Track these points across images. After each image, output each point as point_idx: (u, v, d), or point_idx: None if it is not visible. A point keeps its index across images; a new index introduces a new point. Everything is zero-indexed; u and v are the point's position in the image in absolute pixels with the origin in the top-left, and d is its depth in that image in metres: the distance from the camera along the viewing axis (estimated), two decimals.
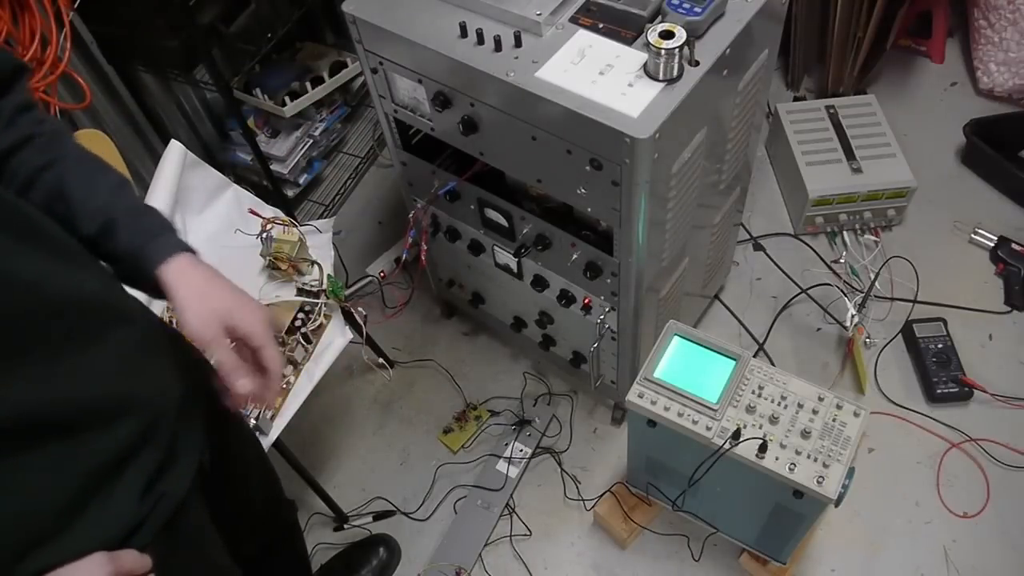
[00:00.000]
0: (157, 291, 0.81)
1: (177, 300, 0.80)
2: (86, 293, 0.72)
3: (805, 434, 1.16)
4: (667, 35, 1.04)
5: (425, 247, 1.59)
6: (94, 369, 0.71)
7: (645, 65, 1.09)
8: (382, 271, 2.05)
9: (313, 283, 1.37)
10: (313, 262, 1.40)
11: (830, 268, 1.93)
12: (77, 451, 0.68)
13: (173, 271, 0.80)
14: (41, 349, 0.66)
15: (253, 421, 1.24)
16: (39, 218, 0.71)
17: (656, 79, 1.08)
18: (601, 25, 1.15)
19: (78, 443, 0.68)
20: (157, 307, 1.24)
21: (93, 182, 0.81)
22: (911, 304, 1.82)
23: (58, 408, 0.67)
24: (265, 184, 2.04)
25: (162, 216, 0.85)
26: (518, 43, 1.14)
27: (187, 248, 0.83)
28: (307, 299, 1.37)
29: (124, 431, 0.72)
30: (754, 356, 1.29)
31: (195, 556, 0.86)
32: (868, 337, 1.78)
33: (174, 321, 1.32)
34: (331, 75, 2.10)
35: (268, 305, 1.37)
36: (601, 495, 1.61)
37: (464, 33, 1.17)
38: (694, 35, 1.09)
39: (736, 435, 1.17)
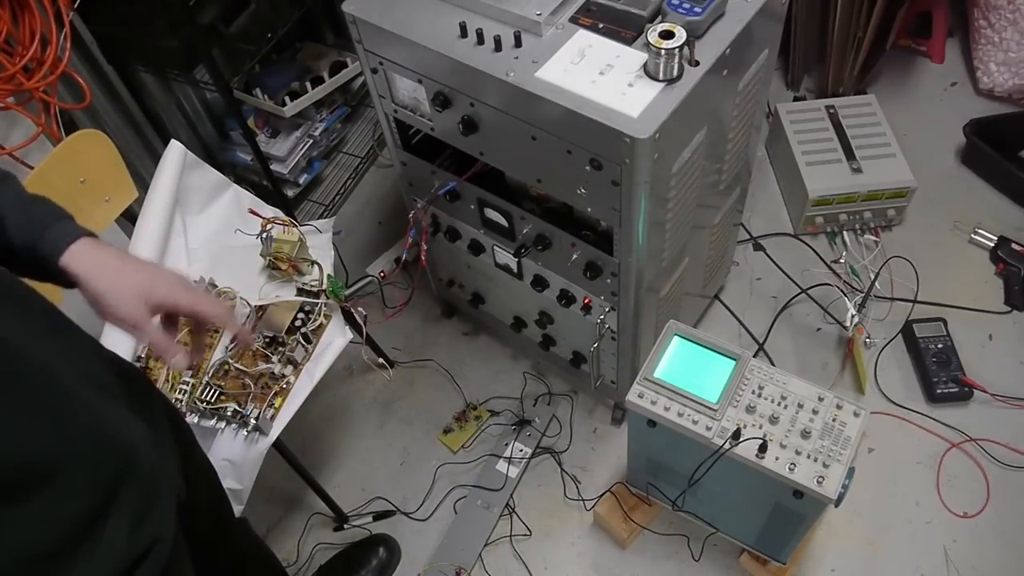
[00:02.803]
0: (67, 282, 0.78)
1: (89, 288, 0.77)
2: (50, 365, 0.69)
3: (805, 434, 1.16)
4: (667, 35, 1.04)
5: (425, 247, 1.59)
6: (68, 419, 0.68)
7: (645, 65, 1.09)
8: (382, 271, 2.05)
9: (313, 283, 1.37)
10: (313, 262, 1.40)
11: (830, 268, 1.93)
12: (59, 498, 0.65)
13: (76, 259, 0.77)
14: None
15: (253, 421, 1.24)
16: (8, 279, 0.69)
17: (656, 79, 1.08)
18: (601, 25, 1.15)
19: (59, 490, 0.65)
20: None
21: None
22: (911, 304, 1.82)
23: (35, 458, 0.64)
24: (265, 184, 2.04)
25: (53, 204, 0.82)
26: (518, 43, 1.14)
27: (86, 232, 0.79)
28: (307, 299, 1.37)
29: (103, 473, 0.70)
30: (754, 356, 1.29)
31: None
32: (868, 337, 1.78)
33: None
34: (331, 75, 2.10)
35: (268, 305, 1.37)
36: (601, 495, 1.61)
37: (464, 33, 1.17)
38: (694, 35, 1.09)
39: (736, 435, 1.17)
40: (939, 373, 1.70)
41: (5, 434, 0.61)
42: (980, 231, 1.92)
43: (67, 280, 0.78)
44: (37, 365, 0.67)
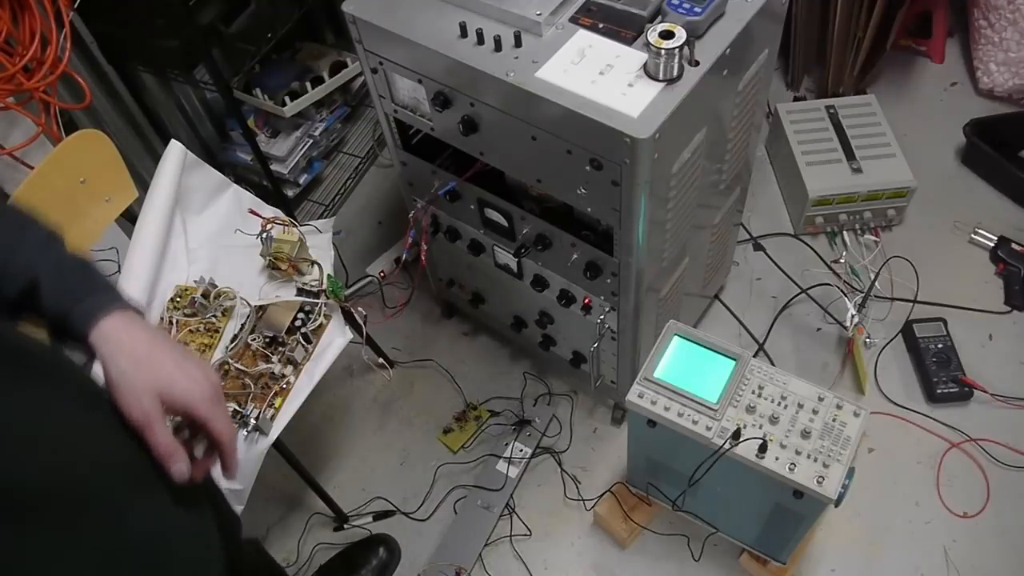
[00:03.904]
0: (93, 354, 0.73)
1: (107, 373, 0.72)
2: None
3: (805, 434, 1.16)
4: (667, 35, 1.04)
5: (425, 247, 1.59)
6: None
7: (645, 65, 1.09)
8: (382, 271, 2.05)
9: (313, 283, 1.37)
10: (313, 262, 1.40)
11: (830, 268, 1.93)
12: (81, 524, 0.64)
13: (103, 337, 0.72)
14: None
15: (253, 421, 1.24)
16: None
17: (656, 79, 1.08)
18: (601, 25, 1.15)
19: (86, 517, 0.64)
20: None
21: (16, 238, 0.74)
22: (911, 304, 1.82)
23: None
24: (265, 184, 2.04)
25: (92, 270, 0.77)
26: (518, 43, 1.14)
27: (121, 305, 0.75)
28: (307, 299, 1.37)
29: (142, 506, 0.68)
30: (754, 356, 1.29)
31: None
32: (868, 337, 1.78)
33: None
34: (331, 75, 2.10)
35: (268, 305, 1.37)
36: (601, 495, 1.61)
37: (464, 33, 1.17)
38: (694, 35, 1.09)
39: (736, 435, 1.17)
40: (939, 373, 1.70)
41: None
42: (980, 231, 1.92)
43: (93, 353, 0.73)
44: (82, 490, 0.63)
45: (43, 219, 0.78)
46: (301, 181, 2.16)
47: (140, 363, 0.72)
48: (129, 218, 1.45)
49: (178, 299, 1.40)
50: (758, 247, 2.00)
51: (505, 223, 1.43)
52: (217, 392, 0.77)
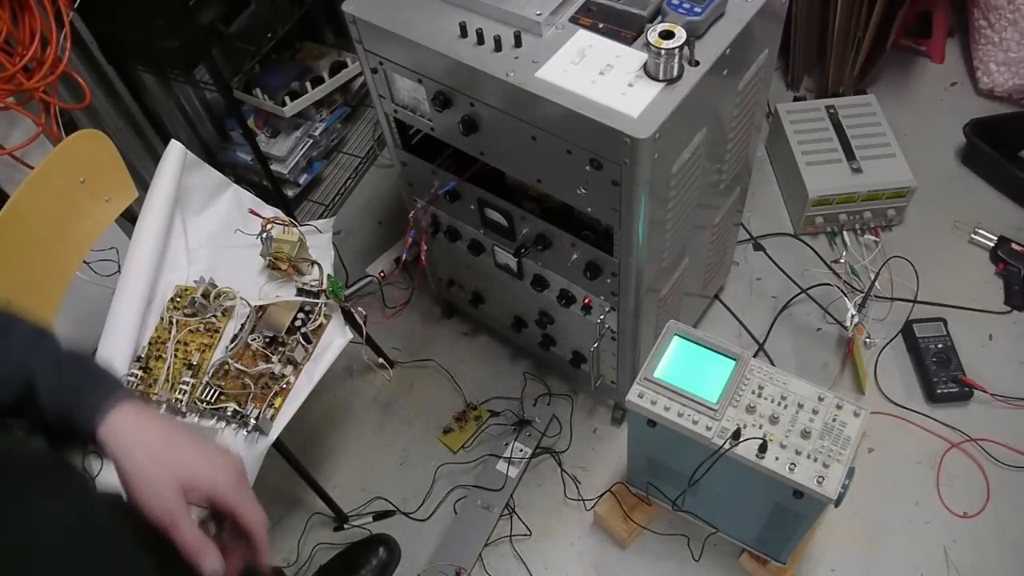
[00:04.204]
0: (105, 454, 0.68)
1: (122, 469, 0.66)
2: None
3: (805, 434, 1.16)
4: (667, 35, 1.04)
5: (425, 247, 1.59)
6: None
7: (645, 65, 1.09)
8: (382, 271, 2.05)
9: (313, 283, 1.37)
10: (313, 262, 1.40)
11: (830, 268, 1.93)
12: None
13: (113, 432, 0.67)
14: None
15: (253, 421, 1.24)
16: None
17: (656, 79, 1.08)
18: (601, 25, 1.15)
19: None
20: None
21: (0, 337, 0.70)
22: (911, 304, 1.82)
23: None
24: (265, 184, 2.04)
25: (92, 362, 0.73)
26: (518, 43, 1.14)
27: (128, 394, 0.70)
28: (307, 299, 1.37)
29: None
30: (754, 356, 1.29)
31: None
32: (868, 337, 1.78)
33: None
34: (331, 75, 2.10)
35: (268, 305, 1.37)
36: (601, 495, 1.61)
37: (464, 33, 1.17)
38: (694, 35, 1.09)
39: (736, 435, 1.17)
40: (939, 373, 1.70)
41: None
42: (980, 231, 1.92)
43: (104, 452, 0.68)
44: None
45: (25, 313, 0.73)
46: (301, 181, 2.16)
47: (157, 455, 0.67)
48: (129, 218, 1.45)
49: (178, 299, 1.40)
50: (758, 247, 2.00)
51: (505, 223, 1.43)
52: (243, 476, 0.72)
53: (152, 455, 0.67)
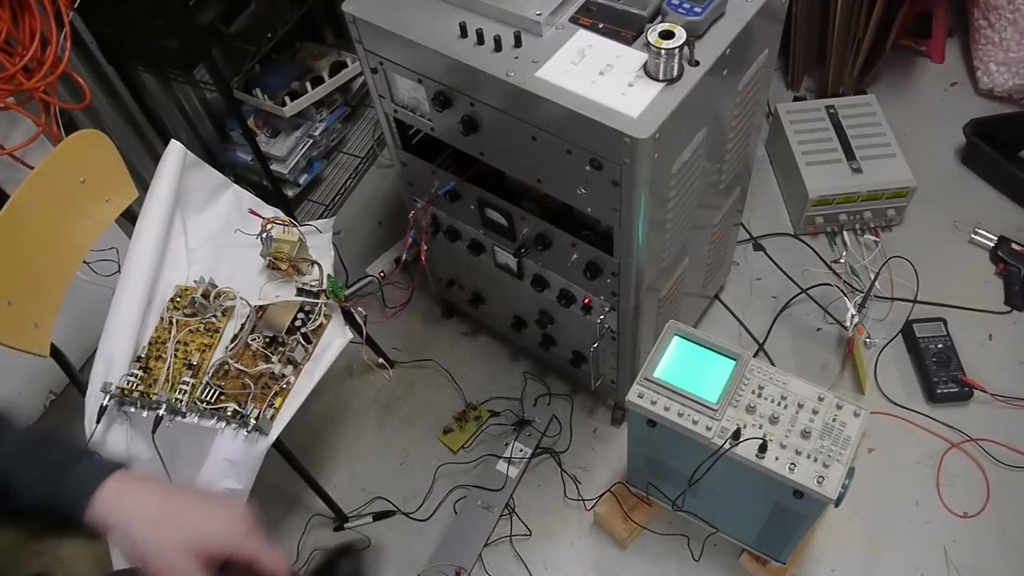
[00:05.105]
0: (94, 533, 0.63)
1: (126, 541, 0.63)
2: None
3: (805, 434, 1.16)
4: (667, 35, 1.04)
5: (425, 247, 1.58)
6: None
7: (645, 65, 1.09)
8: (382, 271, 2.05)
9: (313, 283, 1.37)
10: (313, 262, 1.40)
11: (830, 268, 1.93)
12: None
13: (107, 507, 0.63)
14: None
15: (253, 421, 1.24)
16: None
17: (656, 79, 1.08)
18: (601, 25, 1.15)
19: None
20: None
21: None
22: (911, 304, 1.82)
23: None
24: (265, 184, 2.04)
25: (62, 438, 0.69)
26: (518, 43, 1.14)
27: (110, 465, 0.65)
28: (307, 299, 1.37)
29: None
30: (754, 356, 1.29)
31: None
32: (868, 337, 1.78)
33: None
34: (331, 75, 2.10)
35: (268, 305, 1.37)
36: (601, 495, 1.61)
37: (464, 33, 1.17)
38: (694, 35, 1.09)
39: (736, 435, 1.17)
40: (939, 373, 1.70)
41: None
42: (980, 231, 1.92)
43: (94, 532, 0.63)
44: None
45: None
46: (301, 181, 2.16)
47: (158, 523, 0.64)
48: (129, 218, 1.45)
49: (178, 299, 1.40)
50: (758, 247, 2.00)
51: (505, 223, 1.43)
52: (252, 523, 0.68)
53: (154, 524, 0.64)
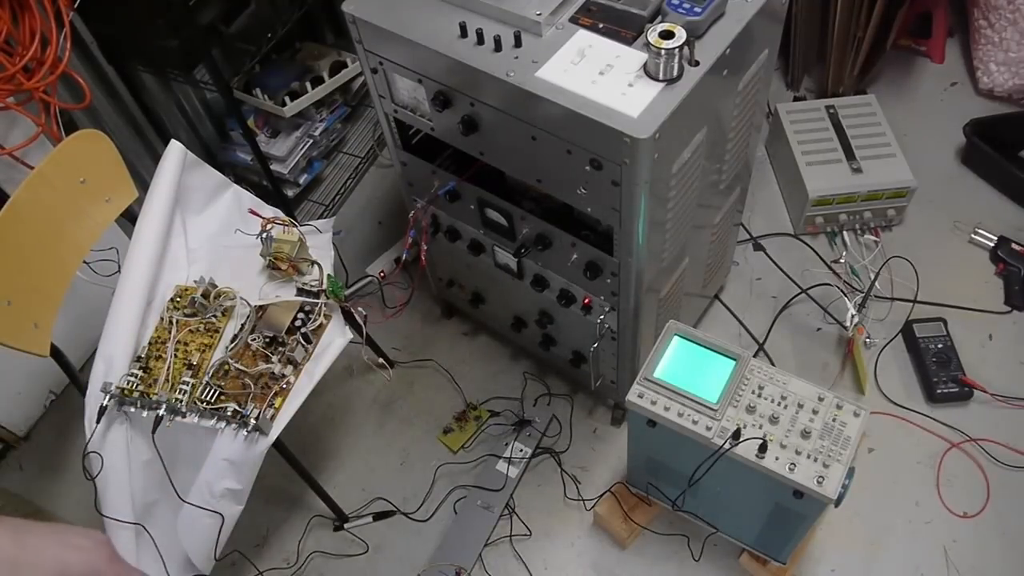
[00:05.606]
0: None
1: None
2: None
3: (805, 434, 1.16)
4: (667, 35, 1.04)
5: (425, 247, 1.58)
6: None
7: (645, 65, 1.09)
8: (382, 271, 2.05)
9: (313, 283, 1.37)
10: (313, 262, 1.40)
11: (830, 268, 1.93)
12: None
13: None
14: None
15: (253, 421, 1.24)
16: None
17: (656, 79, 1.08)
18: (601, 25, 1.15)
19: None
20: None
21: None
22: (911, 304, 1.82)
23: None
24: (265, 184, 2.04)
25: None
26: (518, 43, 1.14)
27: None
28: (307, 299, 1.37)
29: None
30: (754, 356, 1.29)
31: None
32: (868, 337, 1.78)
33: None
34: (331, 75, 2.10)
35: (268, 305, 1.37)
36: (601, 495, 1.61)
37: (464, 33, 1.17)
38: (694, 35, 1.09)
39: (736, 435, 1.17)
40: (939, 373, 1.70)
41: None
42: (980, 231, 1.92)
43: None
44: None
45: None
46: (301, 181, 2.17)
47: (18, 564, 0.61)
48: (129, 218, 1.45)
49: (178, 299, 1.40)
50: (758, 247, 2.00)
51: (505, 223, 1.43)
52: (113, 550, 0.67)
53: (13, 564, 0.61)
